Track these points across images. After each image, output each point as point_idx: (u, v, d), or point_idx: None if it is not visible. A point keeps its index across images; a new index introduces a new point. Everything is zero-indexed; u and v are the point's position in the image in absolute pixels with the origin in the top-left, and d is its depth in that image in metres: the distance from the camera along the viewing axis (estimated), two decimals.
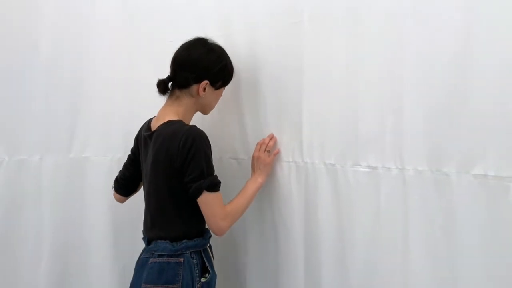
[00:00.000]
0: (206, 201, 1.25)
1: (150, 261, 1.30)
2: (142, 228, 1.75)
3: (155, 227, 1.34)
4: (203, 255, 1.33)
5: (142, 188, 1.49)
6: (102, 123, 1.78)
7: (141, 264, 1.34)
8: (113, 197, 1.74)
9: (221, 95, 1.44)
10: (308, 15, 1.33)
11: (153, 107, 1.69)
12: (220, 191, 1.27)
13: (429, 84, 1.08)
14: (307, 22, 1.33)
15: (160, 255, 1.29)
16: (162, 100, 1.66)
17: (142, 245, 1.73)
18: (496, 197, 0.98)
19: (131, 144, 1.75)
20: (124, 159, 1.73)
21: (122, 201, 1.57)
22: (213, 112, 1.45)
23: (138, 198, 1.72)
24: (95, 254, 1.78)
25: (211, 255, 1.38)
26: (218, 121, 1.51)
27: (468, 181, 1.02)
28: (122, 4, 1.74)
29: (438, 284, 1.07)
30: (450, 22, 1.04)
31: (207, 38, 1.39)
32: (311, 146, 1.33)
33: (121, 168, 1.54)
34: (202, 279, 1.30)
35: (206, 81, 1.34)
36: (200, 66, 1.34)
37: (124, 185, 1.53)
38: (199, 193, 1.24)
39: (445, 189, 1.06)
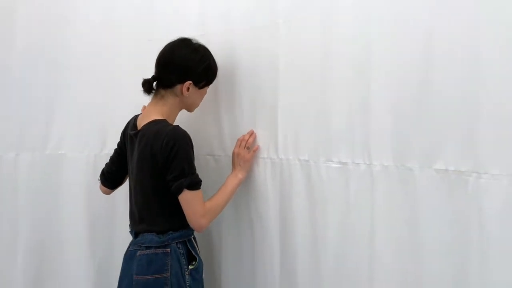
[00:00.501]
0: (187, 199, 1.28)
1: (138, 253, 1.33)
2: (118, 225, 1.76)
3: (142, 222, 1.37)
4: (188, 245, 1.37)
5: (126, 182, 1.52)
6: (78, 119, 1.77)
7: (129, 256, 1.37)
8: (88, 193, 1.75)
9: (205, 93, 1.46)
10: (283, 16, 1.36)
11: (130, 104, 1.70)
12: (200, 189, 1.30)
13: (394, 85, 1.13)
14: (282, 23, 1.36)
15: (147, 247, 1.33)
16: (139, 97, 1.67)
17: (118, 241, 1.75)
18: (456, 190, 1.03)
19: (107, 141, 1.77)
20: (101, 156, 1.75)
21: (108, 193, 1.60)
22: (190, 111, 1.47)
23: (115, 195, 1.74)
24: (71, 250, 1.78)
25: (195, 245, 1.41)
26: (194, 119, 1.53)
27: (430, 175, 1.07)
28: (102, 2, 1.75)
29: (403, 273, 1.12)
30: (414, 26, 1.09)
31: (191, 38, 1.40)
32: (285, 143, 1.37)
33: (107, 161, 1.56)
34: (190, 267, 1.35)
35: (190, 81, 1.36)
36: (184, 67, 1.36)
37: (111, 178, 1.55)
38: (179, 191, 1.27)
39: (409, 183, 1.10)
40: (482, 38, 0.99)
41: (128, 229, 1.68)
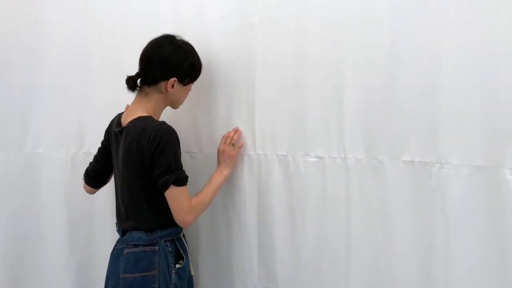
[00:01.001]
0: (173, 195, 1.27)
1: (125, 252, 1.31)
2: (97, 223, 1.76)
3: (130, 219, 1.35)
4: (177, 243, 1.36)
5: (112, 180, 1.50)
6: (55, 119, 1.77)
7: (116, 254, 1.36)
8: (66, 192, 1.75)
9: (190, 90, 1.45)
10: (259, 17, 1.39)
11: (107, 103, 1.71)
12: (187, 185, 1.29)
13: (365, 84, 1.18)
14: (258, 24, 1.39)
15: (135, 245, 1.31)
16: (116, 96, 1.68)
17: (98, 239, 1.75)
18: (422, 180, 1.09)
19: (85, 139, 1.77)
20: (78, 155, 1.75)
21: (92, 193, 1.57)
22: (167, 108, 1.47)
23: (95, 193, 1.75)
24: (51, 249, 1.78)
25: (185, 243, 1.40)
26: (171, 116, 1.53)
27: (398, 167, 1.13)
28: (77, 2, 1.74)
29: (375, 258, 1.18)
30: (382, 26, 1.15)
31: (175, 35, 1.39)
32: (263, 139, 1.40)
33: (91, 161, 1.54)
34: (177, 265, 1.33)
35: (174, 78, 1.35)
36: (168, 64, 1.34)
37: (95, 177, 1.53)
38: (166, 187, 1.26)
39: (380, 174, 1.16)
40: (442, 38, 1.05)
41: (108, 227, 1.69)
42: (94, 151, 1.71)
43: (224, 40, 1.46)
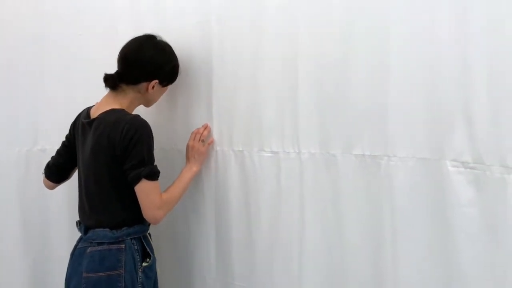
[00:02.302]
0: (144, 189, 1.23)
1: (88, 250, 1.27)
2: (52, 220, 1.74)
3: (94, 213, 1.31)
4: (143, 241, 1.33)
5: (74, 176, 1.47)
6: (8, 115, 1.74)
7: (78, 254, 1.31)
8: (20, 189, 1.71)
9: (166, 91, 1.45)
10: (215, 14, 1.41)
11: (61, 98, 1.70)
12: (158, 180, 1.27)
13: (318, 81, 1.22)
14: (214, 21, 1.40)
15: (99, 243, 1.27)
16: (70, 92, 1.68)
17: (52, 237, 1.73)
18: (371, 173, 1.14)
19: (38, 137, 1.74)
20: (32, 152, 1.72)
21: (52, 188, 1.53)
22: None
23: (48, 190, 1.71)
24: (4, 248, 1.76)
25: (150, 241, 1.38)
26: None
27: (350, 160, 1.17)
28: None
29: (328, 248, 1.22)
30: (334, 25, 1.18)
31: (155, 36, 1.39)
32: (220, 135, 1.43)
33: (53, 155, 1.50)
34: (144, 264, 1.31)
35: (156, 80, 1.35)
36: (151, 66, 1.34)
37: (56, 172, 1.48)
38: (137, 181, 1.23)
39: (333, 167, 1.20)
40: (390, 39, 1.09)
41: (63, 225, 1.68)
42: (49, 148, 1.69)
43: (181, 36, 1.47)
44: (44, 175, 1.50)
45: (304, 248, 1.27)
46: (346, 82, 1.18)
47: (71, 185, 1.70)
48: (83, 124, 1.36)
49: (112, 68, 1.63)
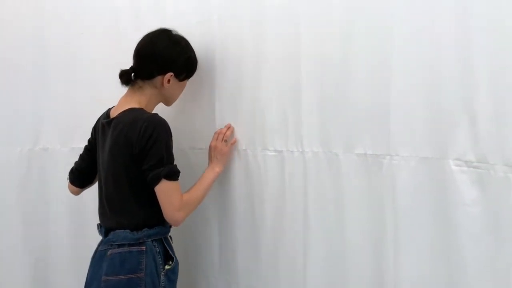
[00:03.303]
0: (164, 190, 1.19)
1: (109, 253, 1.23)
2: (52, 221, 1.73)
3: (114, 215, 1.27)
4: (165, 243, 1.29)
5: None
6: (10, 114, 1.74)
7: (98, 257, 1.27)
8: (21, 189, 1.71)
9: (185, 86, 1.41)
10: (217, 14, 1.41)
11: (63, 97, 1.70)
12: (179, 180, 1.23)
13: (320, 80, 1.22)
14: (216, 21, 1.41)
15: (120, 245, 1.22)
16: (74, 90, 1.68)
17: (53, 238, 1.73)
18: (373, 172, 1.14)
19: (40, 136, 1.74)
20: (34, 151, 1.72)
21: (76, 193, 1.48)
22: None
23: (48, 190, 1.71)
24: (5, 247, 1.75)
25: (171, 243, 1.34)
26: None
27: (352, 159, 1.17)
28: None
29: (330, 247, 1.22)
30: (335, 25, 1.18)
31: (171, 29, 1.36)
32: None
33: (76, 160, 1.48)
34: (167, 267, 1.26)
35: (171, 73, 1.31)
36: (166, 58, 1.30)
37: (80, 177, 1.44)
38: (157, 181, 1.19)
39: (335, 167, 1.20)
40: (392, 39, 1.09)
41: (64, 225, 1.68)
42: (51, 147, 1.70)
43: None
44: (68, 180, 1.46)
45: (307, 247, 1.28)
46: (348, 82, 1.18)
47: None
48: (102, 124, 1.34)
49: (113, 67, 1.63)
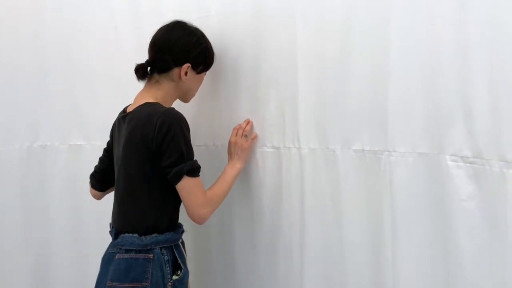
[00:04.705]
0: (187, 186, 1.15)
1: (116, 257, 1.19)
2: (52, 219, 1.74)
3: (124, 216, 1.23)
4: (175, 251, 1.22)
5: None
6: (7, 112, 1.74)
7: (107, 260, 1.23)
8: (21, 187, 1.71)
9: (202, 81, 1.37)
10: (215, 10, 1.41)
11: (62, 94, 1.70)
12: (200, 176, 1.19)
13: (318, 79, 1.23)
14: (214, 16, 1.40)
15: (127, 251, 1.17)
16: (72, 86, 1.68)
17: (53, 235, 1.74)
18: (371, 168, 1.14)
19: (40, 133, 1.74)
20: (33, 148, 1.72)
21: (98, 197, 1.43)
22: None
23: (48, 188, 1.71)
24: (5, 247, 1.75)
25: (183, 251, 1.27)
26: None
27: (349, 155, 1.18)
28: None
29: (328, 242, 1.23)
30: (333, 22, 1.18)
31: (186, 21, 1.32)
32: (221, 131, 1.43)
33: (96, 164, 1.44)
34: (174, 277, 1.19)
35: (188, 64, 1.26)
36: (181, 49, 1.26)
37: (100, 180, 1.39)
38: (179, 178, 1.14)
39: (332, 163, 1.21)
40: (390, 35, 1.09)
41: (64, 223, 1.68)
42: (50, 144, 1.70)
43: None
44: (90, 185, 1.42)
45: (304, 243, 1.28)
46: (345, 78, 1.18)
47: (71, 181, 1.71)
48: (119, 120, 1.29)
49: (111, 64, 1.64)
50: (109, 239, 1.68)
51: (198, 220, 1.20)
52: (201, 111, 1.48)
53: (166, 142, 1.14)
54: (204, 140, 1.48)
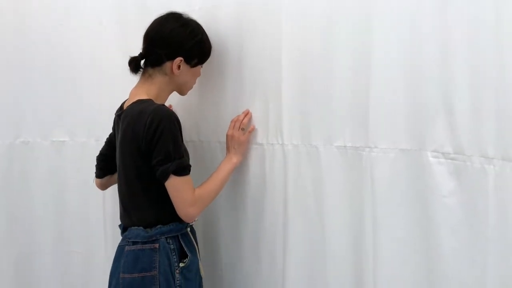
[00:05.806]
0: (174, 185, 1.15)
1: (126, 249, 1.21)
2: (37, 217, 1.72)
3: (127, 212, 1.25)
4: (181, 240, 1.23)
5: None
6: None
7: (118, 252, 1.25)
8: (5, 182, 1.70)
9: (199, 74, 1.34)
10: (199, 4, 1.39)
11: (46, 91, 1.68)
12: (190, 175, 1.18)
13: (301, 76, 1.23)
14: (197, 11, 1.37)
15: (134, 243, 1.20)
16: (53, 85, 1.66)
17: (37, 232, 1.72)
18: (353, 164, 1.15)
19: (22, 129, 1.72)
20: (15, 144, 1.70)
21: (102, 187, 1.44)
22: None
23: (32, 184, 1.70)
24: None
25: (192, 239, 1.27)
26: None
27: (332, 152, 1.18)
28: None
29: (310, 237, 1.23)
30: (317, 18, 1.19)
31: (182, 13, 1.28)
32: (208, 129, 1.43)
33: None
34: (181, 264, 1.21)
35: (180, 58, 1.23)
36: (173, 41, 1.23)
37: (99, 166, 1.41)
38: (165, 177, 1.14)
39: (315, 159, 1.21)
40: (372, 32, 1.09)
41: (48, 220, 1.67)
42: (32, 140, 1.68)
43: None
44: (95, 174, 1.44)
45: (287, 239, 1.28)
46: (328, 74, 1.18)
47: (54, 177, 1.69)
48: (115, 118, 1.30)
49: (95, 60, 1.63)
50: (92, 236, 1.67)
51: (186, 219, 1.21)
52: (185, 107, 1.48)
53: (154, 140, 1.14)
54: (189, 136, 1.47)
